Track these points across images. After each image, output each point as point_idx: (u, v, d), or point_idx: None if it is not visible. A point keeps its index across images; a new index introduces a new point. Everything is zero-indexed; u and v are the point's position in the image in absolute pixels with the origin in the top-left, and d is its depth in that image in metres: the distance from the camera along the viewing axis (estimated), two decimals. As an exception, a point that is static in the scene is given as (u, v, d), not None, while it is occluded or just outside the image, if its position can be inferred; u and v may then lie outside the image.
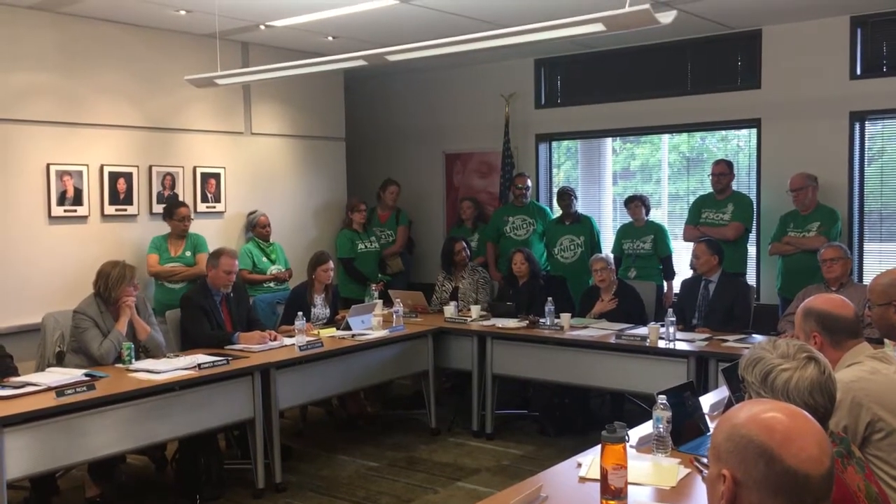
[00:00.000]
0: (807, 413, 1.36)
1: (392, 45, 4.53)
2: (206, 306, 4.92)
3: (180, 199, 6.22)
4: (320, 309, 5.69)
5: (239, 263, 5.96)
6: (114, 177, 5.90)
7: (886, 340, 3.44)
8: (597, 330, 5.24)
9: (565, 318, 5.33)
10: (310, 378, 4.87)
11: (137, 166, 6.04)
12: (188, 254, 5.86)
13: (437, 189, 8.10)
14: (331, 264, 5.69)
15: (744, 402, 1.44)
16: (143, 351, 4.55)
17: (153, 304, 5.32)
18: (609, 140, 7.52)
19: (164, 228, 5.94)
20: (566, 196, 6.67)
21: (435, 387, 5.72)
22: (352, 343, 5.12)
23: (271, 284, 6.30)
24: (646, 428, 2.92)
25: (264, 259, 6.36)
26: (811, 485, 1.27)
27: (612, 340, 4.98)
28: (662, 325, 4.86)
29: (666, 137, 7.23)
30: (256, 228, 6.44)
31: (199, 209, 6.44)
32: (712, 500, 1.38)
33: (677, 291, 5.97)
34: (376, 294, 6.19)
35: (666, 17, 3.47)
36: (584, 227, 6.65)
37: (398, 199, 7.38)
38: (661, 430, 2.73)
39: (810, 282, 5.12)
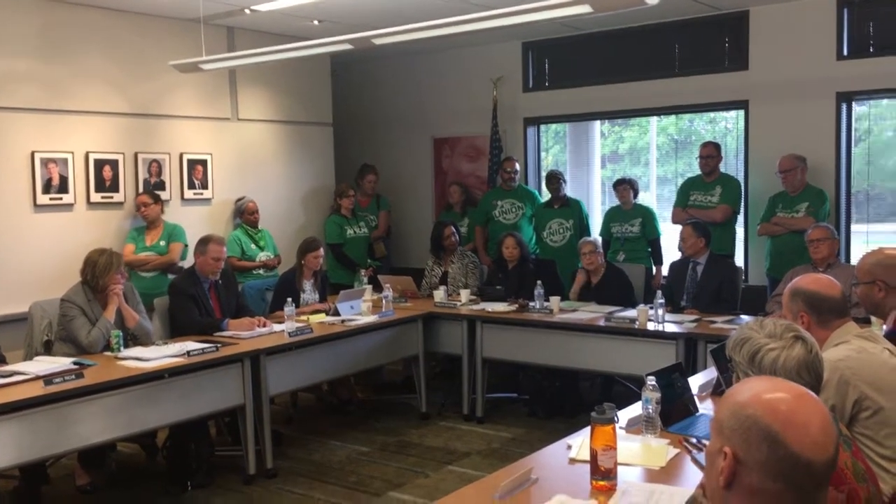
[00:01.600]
0: (812, 394, 1.34)
1: (378, 28, 4.49)
2: (195, 293, 4.90)
3: (165, 186, 6.22)
4: (309, 295, 5.68)
5: (227, 250, 5.96)
6: (99, 164, 5.85)
7: (873, 319, 3.46)
8: (586, 313, 5.25)
9: (555, 301, 5.34)
10: (300, 364, 4.86)
11: (123, 153, 6.00)
12: (162, 243, 5.83)
13: (426, 174, 8.09)
14: (322, 251, 5.68)
15: (750, 378, 1.42)
16: (132, 339, 4.53)
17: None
18: (597, 123, 7.52)
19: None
20: (555, 179, 6.66)
21: (425, 371, 5.73)
22: (341, 329, 5.12)
23: (260, 271, 6.28)
24: (635, 409, 2.94)
25: (253, 246, 6.33)
26: (813, 471, 1.27)
27: (602, 323, 5.00)
28: (651, 308, 4.88)
29: (654, 120, 7.24)
30: (245, 215, 6.41)
31: (185, 196, 6.41)
32: (710, 473, 1.37)
33: (666, 274, 5.99)
34: (365, 279, 6.19)
35: (653, -1, 3.46)
36: (573, 211, 6.65)
37: (377, 186, 7.36)
38: (651, 411, 2.74)
39: (799, 262, 5.15)
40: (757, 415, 1.29)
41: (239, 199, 6.57)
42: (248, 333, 4.77)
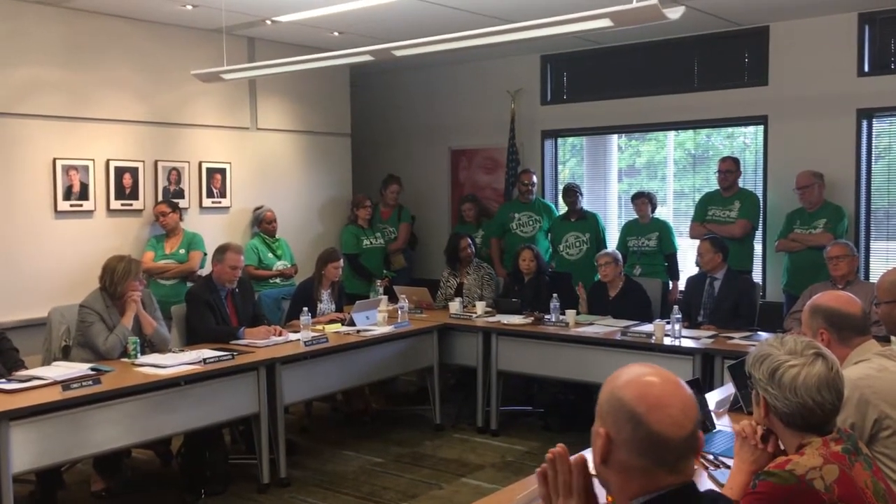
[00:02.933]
0: (681, 380, 1.47)
1: (398, 40, 4.52)
2: (212, 301, 4.92)
3: (184, 194, 6.27)
4: (326, 304, 5.69)
5: (244, 259, 6.01)
6: (119, 171, 5.91)
7: (893, 338, 3.42)
8: (602, 327, 5.23)
9: (570, 314, 5.32)
10: (315, 373, 4.87)
11: (143, 161, 6.05)
12: (182, 251, 5.87)
13: (443, 185, 8.10)
14: (341, 262, 5.70)
15: (630, 364, 1.53)
16: (149, 345, 4.56)
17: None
18: (615, 137, 7.50)
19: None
20: (571, 193, 6.65)
21: (440, 383, 5.72)
22: (357, 339, 5.12)
23: (277, 280, 6.30)
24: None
25: (270, 255, 6.36)
26: (671, 446, 1.41)
27: (618, 337, 4.98)
28: (668, 323, 4.85)
29: (672, 134, 7.22)
30: (262, 224, 6.44)
31: (204, 204, 6.45)
32: (593, 452, 1.49)
33: (682, 288, 5.96)
34: (381, 290, 6.19)
35: (674, 13, 3.46)
36: (590, 224, 6.63)
37: (399, 196, 7.37)
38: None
39: (816, 278, 5.11)
40: (625, 398, 1.44)
41: (257, 208, 6.61)
42: (264, 342, 4.78)
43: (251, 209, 6.70)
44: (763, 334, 4.79)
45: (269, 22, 6.01)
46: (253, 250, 6.25)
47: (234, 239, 6.05)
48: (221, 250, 5.01)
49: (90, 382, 3.80)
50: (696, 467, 2.57)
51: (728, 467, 2.42)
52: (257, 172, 6.86)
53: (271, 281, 6.26)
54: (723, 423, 3.06)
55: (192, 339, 4.91)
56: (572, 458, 1.55)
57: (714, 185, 6.22)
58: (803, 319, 2.61)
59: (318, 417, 6.05)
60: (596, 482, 1.55)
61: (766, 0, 5.59)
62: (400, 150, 8.28)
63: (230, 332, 4.86)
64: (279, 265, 6.35)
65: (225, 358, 4.37)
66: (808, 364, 1.83)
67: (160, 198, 6.09)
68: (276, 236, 6.47)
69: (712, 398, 3.35)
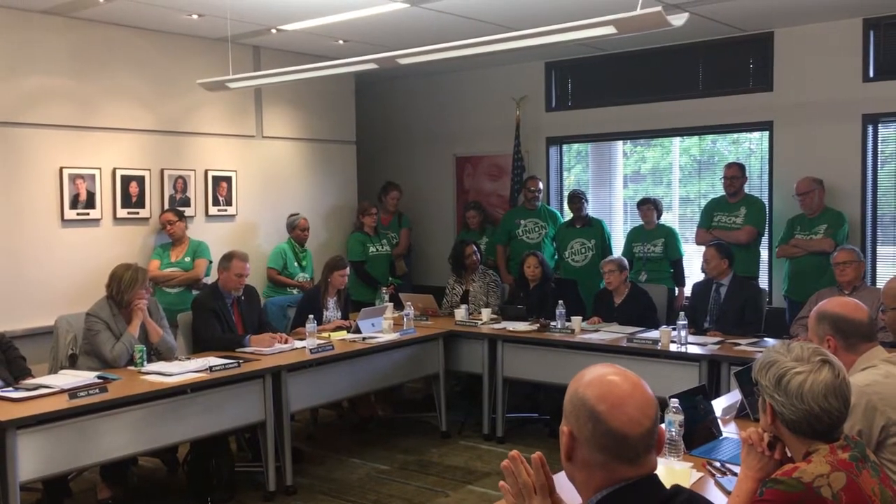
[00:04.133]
0: (641, 381, 1.53)
1: (402, 48, 4.53)
2: (217, 309, 4.93)
3: (190, 202, 6.30)
4: (332, 312, 5.69)
5: (269, 261, 6.07)
6: (126, 180, 5.93)
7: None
8: (608, 333, 5.22)
9: (576, 321, 5.31)
10: (321, 381, 4.87)
11: (149, 170, 6.07)
12: (188, 259, 5.88)
13: (448, 192, 8.11)
14: (347, 270, 5.70)
15: (595, 364, 1.59)
16: (155, 353, 4.57)
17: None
18: (620, 143, 7.50)
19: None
20: (577, 199, 6.65)
21: (445, 390, 5.71)
22: (362, 346, 5.12)
23: (294, 291, 6.29)
24: (658, 431, 2.91)
25: (296, 264, 6.40)
26: (629, 442, 1.48)
27: (624, 344, 4.97)
28: (674, 329, 4.84)
29: (677, 140, 7.21)
30: (296, 231, 6.47)
31: (210, 212, 6.47)
32: (561, 449, 1.55)
33: (688, 295, 5.95)
34: (387, 297, 6.20)
35: (678, 20, 3.46)
36: (595, 231, 6.63)
37: (399, 203, 7.39)
38: (674, 433, 2.71)
39: (817, 284, 5.10)
40: (585, 397, 1.51)
41: (292, 215, 6.60)
42: (270, 350, 4.79)
43: (257, 217, 6.72)
44: (770, 341, 4.77)
45: (274, 31, 6.03)
46: (281, 255, 6.29)
47: (239, 246, 6.03)
48: (227, 258, 5.02)
49: (97, 390, 3.81)
50: (703, 475, 2.57)
51: (735, 474, 2.42)
52: (263, 180, 6.88)
53: (288, 290, 6.27)
54: (729, 430, 3.05)
55: (198, 347, 4.91)
56: (533, 456, 1.61)
57: (720, 191, 6.21)
58: (810, 326, 2.60)
59: (324, 425, 6.05)
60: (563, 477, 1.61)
61: (771, 6, 5.59)
62: (404, 157, 8.29)
63: (236, 340, 4.87)
64: (300, 277, 6.37)
65: (231, 366, 4.38)
66: (814, 371, 1.83)
67: (166, 206, 6.11)
68: (306, 247, 6.51)
69: (719, 405, 3.34)
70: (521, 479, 1.61)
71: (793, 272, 5.67)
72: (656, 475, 1.54)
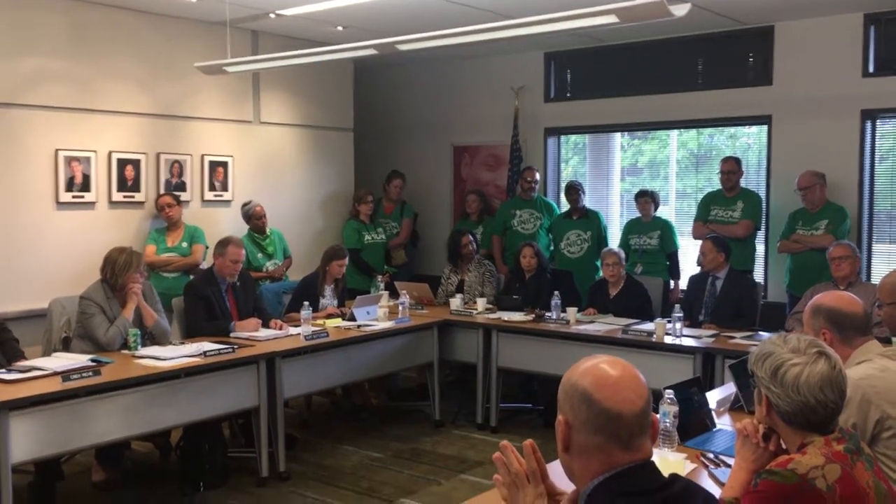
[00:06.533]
0: (633, 367, 1.56)
1: (402, 35, 4.51)
2: (211, 295, 4.91)
3: (186, 187, 6.26)
4: (329, 300, 5.68)
5: None
6: (122, 163, 5.90)
7: (895, 339, 3.42)
8: (603, 325, 5.22)
9: (571, 312, 5.32)
10: (315, 368, 4.87)
11: (146, 153, 6.04)
12: (184, 244, 5.85)
13: (445, 181, 8.09)
14: (346, 260, 5.67)
15: (584, 358, 1.60)
16: (150, 337, 4.55)
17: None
18: (617, 136, 7.49)
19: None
20: (574, 191, 6.64)
21: (439, 379, 5.71)
22: (357, 334, 5.12)
23: (266, 282, 6.08)
24: (652, 422, 2.91)
25: (259, 255, 6.18)
26: (624, 421, 1.50)
27: (619, 335, 4.97)
28: (669, 321, 4.85)
29: (675, 134, 7.21)
30: (252, 220, 6.21)
31: (206, 197, 6.44)
32: (558, 442, 1.57)
33: (684, 287, 5.95)
34: (382, 285, 6.19)
35: (679, 10, 3.44)
36: (592, 223, 6.63)
37: (402, 192, 7.36)
38: (668, 424, 2.71)
39: (818, 279, 5.10)
40: (579, 383, 1.53)
41: (245, 204, 6.33)
42: (265, 336, 4.78)
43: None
44: (764, 334, 4.78)
45: (272, 15, 5.99)
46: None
47: (235, 232, 6.03)
48: (223, 244, 5.00)
49: (90, 374, 3.80)
50: (697, 466, 2.58)
51: (729, 466, 2.42)
52: (259, 166, 6.85)
53: (260, 282, 6.00)
54: (723, 422, 3.06)
55: (191, 331, 4.90)
56: (524, 443, 1.63)
57: (716, 185, 6.21)
58: (805, 319, 2.60)
59: (317, 412, 6.05)
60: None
61: (772, -1, 5.58)
62: (402, 145, 8.26)
63: (221, 326, 4.84)
64: (269, 265, 6.19)
65: (225, 351, 4.37)
66: (810, 362, 1.83)
67: (162, 190, 6.08)
68: (268, 229, 6.26)
69: (713, 397, 3.34)
70: (513, 469, 1.62)
71: (794, 267, 5.67)
72: (653, 462, 1.55)
